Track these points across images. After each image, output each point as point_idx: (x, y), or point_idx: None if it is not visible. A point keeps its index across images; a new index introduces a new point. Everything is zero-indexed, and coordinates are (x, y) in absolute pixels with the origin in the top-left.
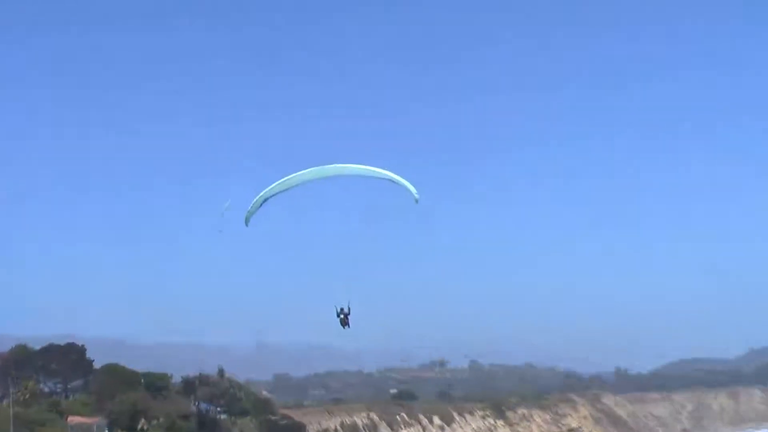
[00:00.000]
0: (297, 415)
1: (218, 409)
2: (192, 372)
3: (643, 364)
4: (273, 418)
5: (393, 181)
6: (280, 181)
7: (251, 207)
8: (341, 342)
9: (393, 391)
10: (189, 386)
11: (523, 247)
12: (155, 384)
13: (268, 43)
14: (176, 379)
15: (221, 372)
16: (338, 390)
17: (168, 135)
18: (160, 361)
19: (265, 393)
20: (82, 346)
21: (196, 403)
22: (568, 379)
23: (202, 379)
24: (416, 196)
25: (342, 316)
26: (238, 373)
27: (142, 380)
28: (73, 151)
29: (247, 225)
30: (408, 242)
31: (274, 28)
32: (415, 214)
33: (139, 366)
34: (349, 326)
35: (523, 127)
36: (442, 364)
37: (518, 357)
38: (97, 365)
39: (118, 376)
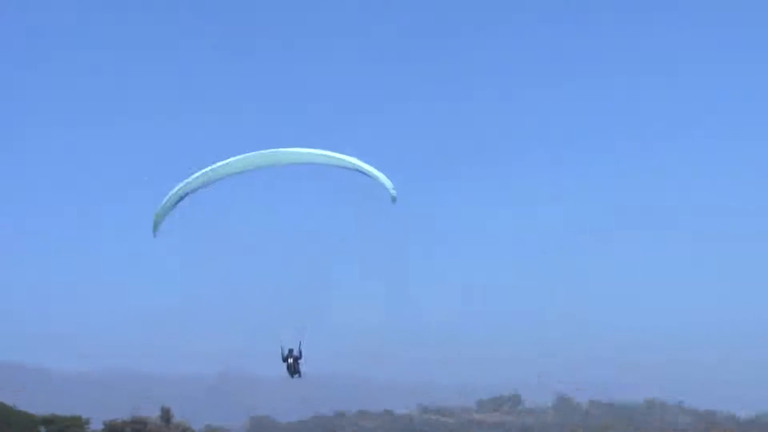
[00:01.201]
0: None
1: None
2: (126, 412)
3: None
4: None
5: (365, 173)
6: (198, 173)
7: (160, 209)
8: (360, 371)
9: None
10: None
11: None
12: (64, 431)
13: (269, 41)
14: (97, 423)
15: (166, 413)
16: None
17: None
18: (82, 396)
19: None
20: None
21: None
22: (709, 422)
23: (137, 425)
24: (393, 192)
25: (290, 360)
26: (197, 414)
27: (43, 426)
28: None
29: (155, 233)
30: (442, 246)
31: (276, 26)
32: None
33: (51, 404)
34: (299, 375)
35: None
36: (515, 400)
37: (631, 390)
38: None
39: (4, 420)
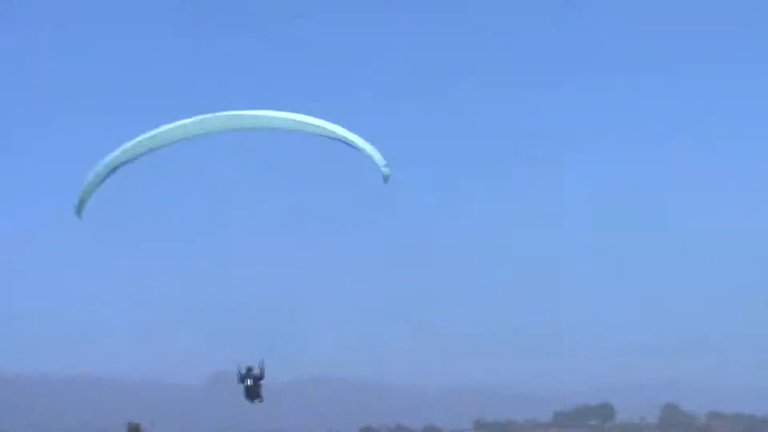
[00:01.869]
0: None
1: None
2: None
3: None
4: None
5: (350, 145)
6: (138, 138)
7: (87, 184)
8: (394, 377)
9: None
10: None
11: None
12: None
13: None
14: None
15: (135, 429)
16: None
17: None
18: (63, 402)
19: None
20: None
21: None
22: None
23: None
24: (385, 170)
25: (249, 381)
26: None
27: None
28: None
29: (79, 214)
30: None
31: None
32: None
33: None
34: (261, 400)
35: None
36: (606, 412)
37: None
38: None
39: None
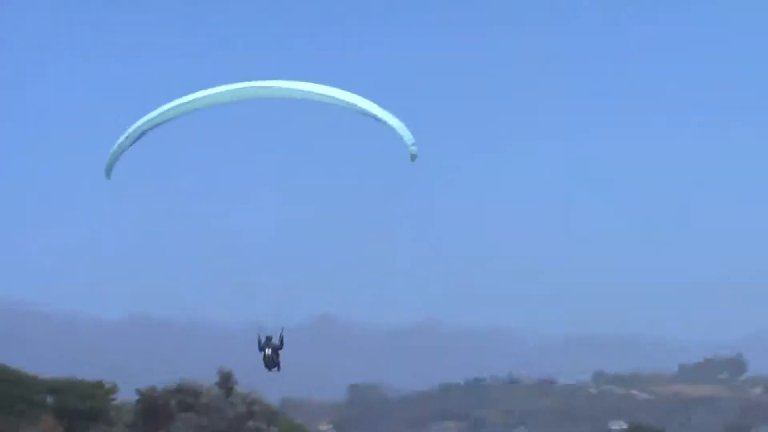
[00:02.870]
0: None
1: None
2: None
3: None
4: None
5: (377, 120)
6: (172, 104)
7: (116, 147)
8: (505, 323)
9: (618, 426)
10: (154, 411)
11: None
12: (79, 405)
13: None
14: (127, 392)
15: (226, 379)
16: (488, 422)
17: None
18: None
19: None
20: None
21: None
22: None
23: (184, 395)
24: (413, 149)
25: (268, 351)
26: (271, 380)
27: (50, 396)
28: None
29: (108, 176)
30: None
31: None
32: None
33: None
34: (279, 369)
35: None
36: (736, 366)
37: None
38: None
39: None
